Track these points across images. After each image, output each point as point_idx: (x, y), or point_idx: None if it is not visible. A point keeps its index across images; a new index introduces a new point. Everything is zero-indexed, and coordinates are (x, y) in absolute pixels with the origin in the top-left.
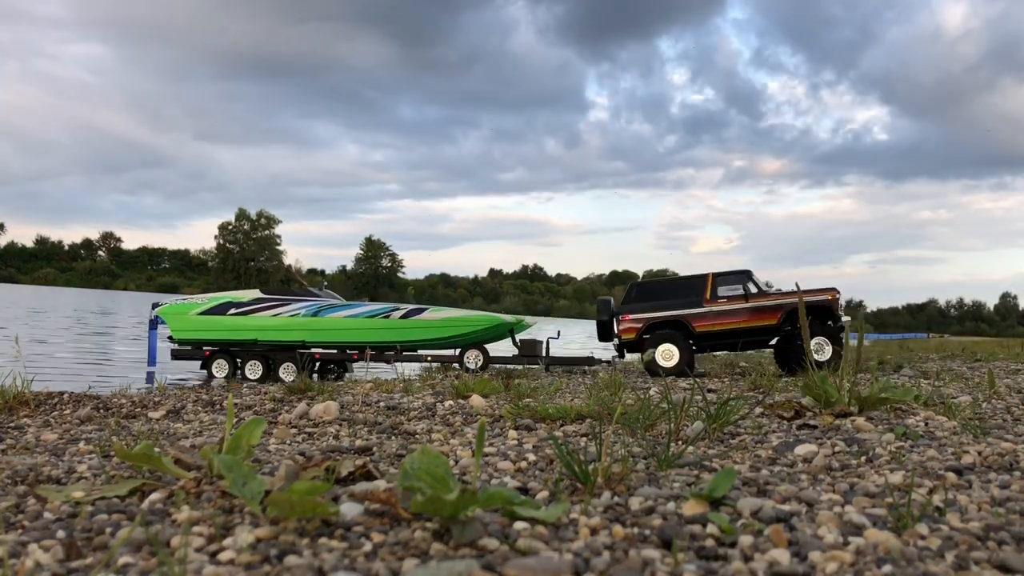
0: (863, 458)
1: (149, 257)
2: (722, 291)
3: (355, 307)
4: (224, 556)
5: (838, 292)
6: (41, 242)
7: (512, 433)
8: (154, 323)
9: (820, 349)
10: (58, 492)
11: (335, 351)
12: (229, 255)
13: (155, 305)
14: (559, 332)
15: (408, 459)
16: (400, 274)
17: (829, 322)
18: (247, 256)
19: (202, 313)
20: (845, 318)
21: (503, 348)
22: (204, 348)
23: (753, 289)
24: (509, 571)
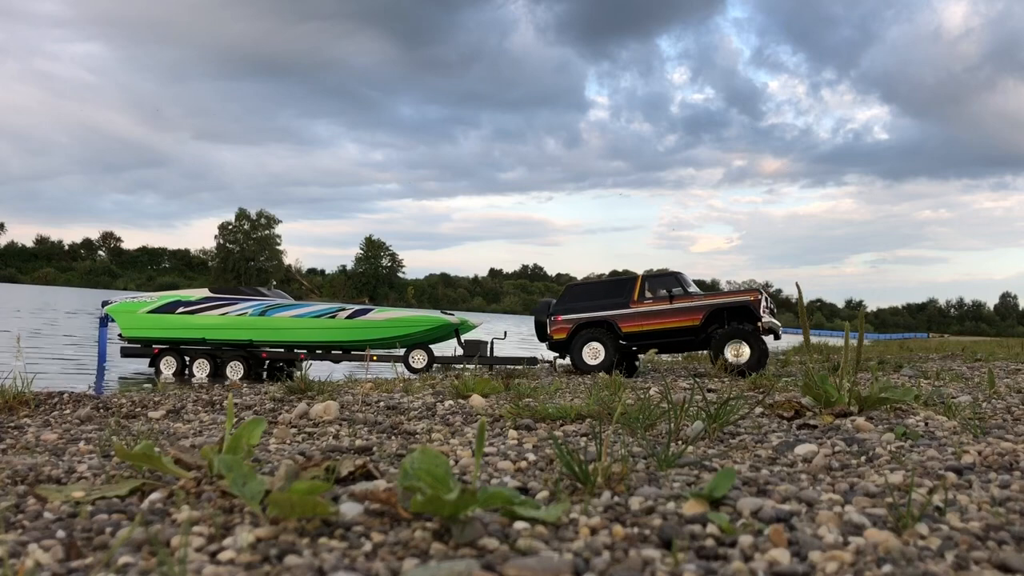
0: (863, 458)
1: (149, 257)
2: (650, 292)
3: (301, 307)
4: (224, 556)
5: (760, 294)
6: (41, 242)
7: (512, 433)
8: (104, 321)
9: (737, 350)
10: (58, 492)
11: (282, 350)
12: (229, 255)
13: (105, 303)
14: (505, 332)
15: (408, 459)
16: (400, 274)
17: (752, 323)
18: (247, 256)
19: (151, 311)
20: (769, 319)
21: (449, 348)
22: (153, 346)
23: (681, 291)
24: (509, 571)
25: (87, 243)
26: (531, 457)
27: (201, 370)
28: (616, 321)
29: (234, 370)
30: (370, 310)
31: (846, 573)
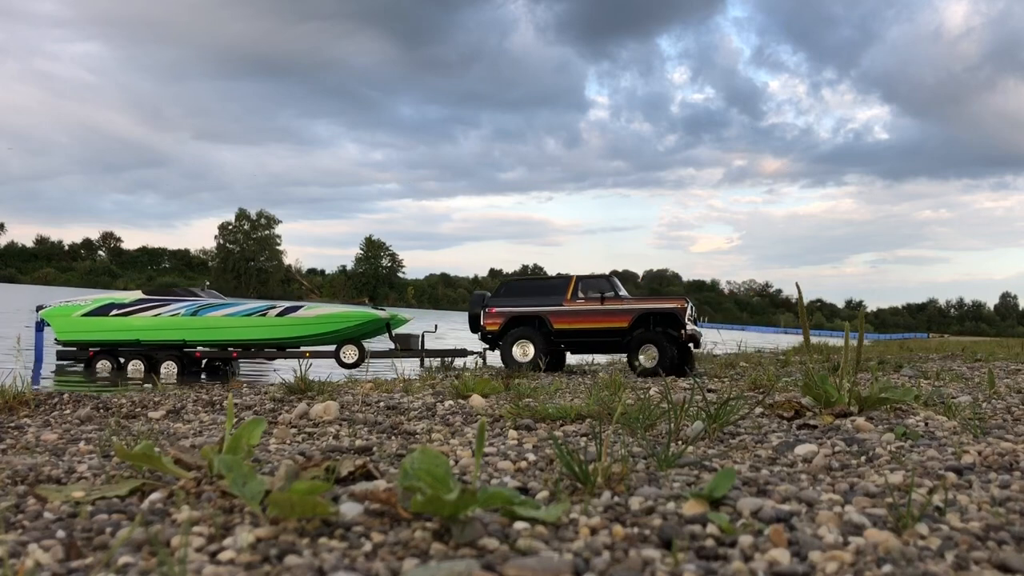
0: (863, 458)
1: (149, 257)
2: (583, 292)
3: (232, 306)
4: (224, 556)
5: (687, 302)
6: (41, 242)
7: (512, 433)
8: (40, 325)
9: (650, 356)
10: (58, 492)
11: (216, 349)
12: (229, 255)
13: (39, 307)
14: (436, 326)
15: (408, 459)
16: (400, 274)
17: (678, 329)
18: (247, 256)
19: (85, 315)
20: (693, 327)
21: (383, 343)
22: (88, 349)
23: (612, 293)
24: (509, 571)
25: (87, 243)
26: (531, 457)
27: (136, 371)
28: (548, 317)
29: (168, 370)
30: (300, 307)
31: (846, 573)
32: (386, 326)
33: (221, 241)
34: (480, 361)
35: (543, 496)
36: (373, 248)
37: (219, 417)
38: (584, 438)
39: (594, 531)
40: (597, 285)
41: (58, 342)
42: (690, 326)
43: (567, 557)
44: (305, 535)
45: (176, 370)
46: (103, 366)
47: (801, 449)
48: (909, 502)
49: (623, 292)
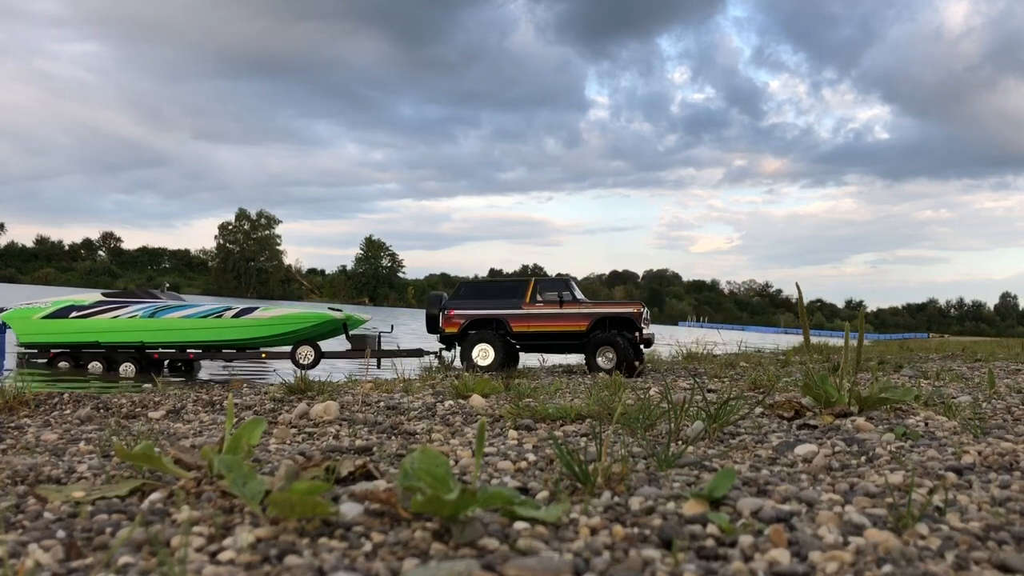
0: (863, 458)
1: (149, 257)
2: (542, 296)
3: (189, 307)
4: (224, 556)
5: (643, 306)
6: (41, 242)
7: (512, 433)
8: (2, 327)
9: (608, 357)
10: (58, 492)
11: (173, 351)
12: (229, 255)
13: (0, 310)
14: (392, 326)
15: (408, 459)
16: (400, 274)
17: (634, 333)
18: (247, 256)
19: (46, 317)
20: (648, 331)
21: (345, 343)
22: (50, 351)
23: (568, 296)
24: (509, 571)
25: (87, 243)
26: (531, 457)
27: (95, 371)
28: (508, 320)
29: (127, 370)
30: (256, 308)
31: (846, 573)
32: (343, 327)
33: (221, 241)
34: (436, 362)
35: (543, 496)
36: (373, 248)
37: (219, 417)
38: (584, 438)
39: (594, 531)
40: (555, 288)
41: (20, 345)
42: (646, 329)
43: (567, 557)
44: (305, 535)
45: (134, 371)
46: (63, 368)
47: (801, 449)
48: (909, 502)
49: (580, 295)
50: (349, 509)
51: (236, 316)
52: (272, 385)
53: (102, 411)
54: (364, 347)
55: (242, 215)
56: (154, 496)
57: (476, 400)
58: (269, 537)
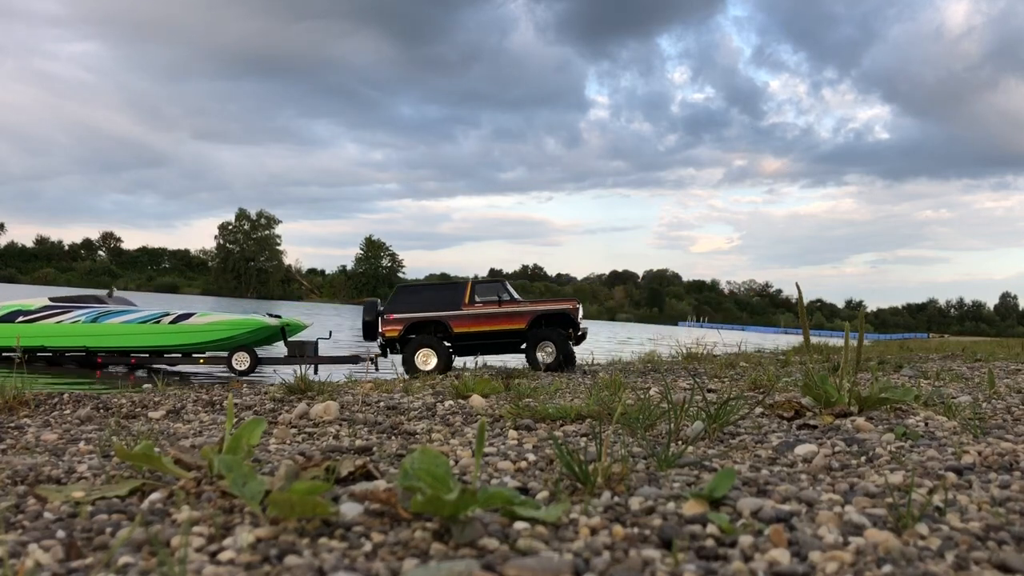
0: (863, 458)
1: (149, 257)
2: (479, 296)
3: (130, 313)
4: (224, 556)
5: (578, 303)
6: (41, 242)
7: (512, 433)
8: None
9: (548, 352)
10: (58, 492)
11: (115, 355)
12: (229, 255)
13: None
14: (331, 332)
15: (408, 459)
16: (400, 274)
17: (570, 329)
18: (247, 256)
19: None
20: (583, 327)
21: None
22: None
23: (506, 296)
24: (509, 571)
25: (87, 243)
26: (531, 457)
27: None
28: (449, 322)
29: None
30: (193, 314)
31: (846, 573)
32: (281, 333)
33: (221, 241)
34: (373, 368)
35: (543, 496)
36: (373, 248)
37: (219, 417)
38: (584, 438)
39: (594, 531)
40: (492, 289)
41: None
42: (581, 325)
43: (567, 557)
44: (305, 535)
45: None
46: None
47: (801, 449)
48: (909, 502)
49: (516, 295)
50: (349, 509)
51: (174, 322)
52: (272, 385)
53: (102, 411)
54: (300, 353)
55: (242, 215)
56: (154, 496)
57: (476, 400)
58: (269, 537)
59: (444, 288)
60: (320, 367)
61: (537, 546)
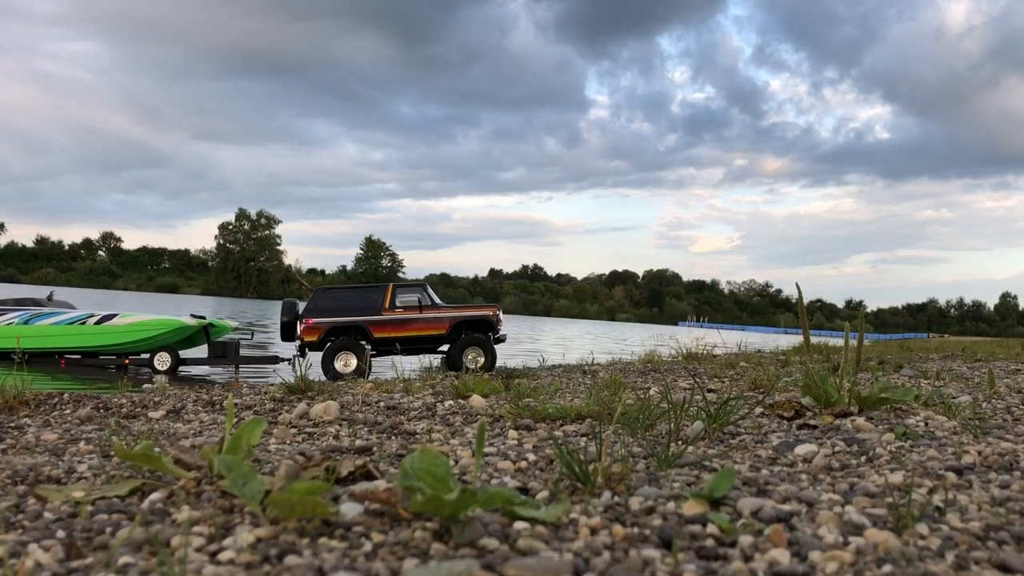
0: (863, 458)
1: (149, 257)
2: (400, 301)
3: (59, 315)
4: (224, 556)
5: (499, 308)
6: (41, 242)
7: (512, 433)
8: None
9: (475, 357)
10: (58, 492)
11: (46, 357)
12: (229, 255)
13: None
14: (253, 333)
15: (408, 459)
16: (400, 274)
17: (489, 333)
18: (247, 256)
19: None
20: (502, 331)
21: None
22: None
23: (427, 301)
24: (509, 571)
25: (87, 243)
26: (531, 457)
27: None
28: (369, 327)
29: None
30: (116, 315)
31: (846, 573)
32: (205, 334)
33: (221, 241)
34: (292, 368)
35: (543, 496)
36: (373, 248)
37: (219, 417)
38: (584, 438)
39: (594, 531)
40: (413, 293)
41: None
42: (502, 330)
43: (567, 557)
44: (305, 535)
45: None
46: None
47: (801, 449)
48: (909, 502)
49: (437, 299)
50: (349, 509)
51: (98, 323)
52: (272, 385)
53: (102, 411)
54: (222, 354)
55: (242, 215)
56: (154, 496)
57: (476, 400)
58: (269, 537)
59: (364, 291)
60: (241, 367)
61: (537, 546)
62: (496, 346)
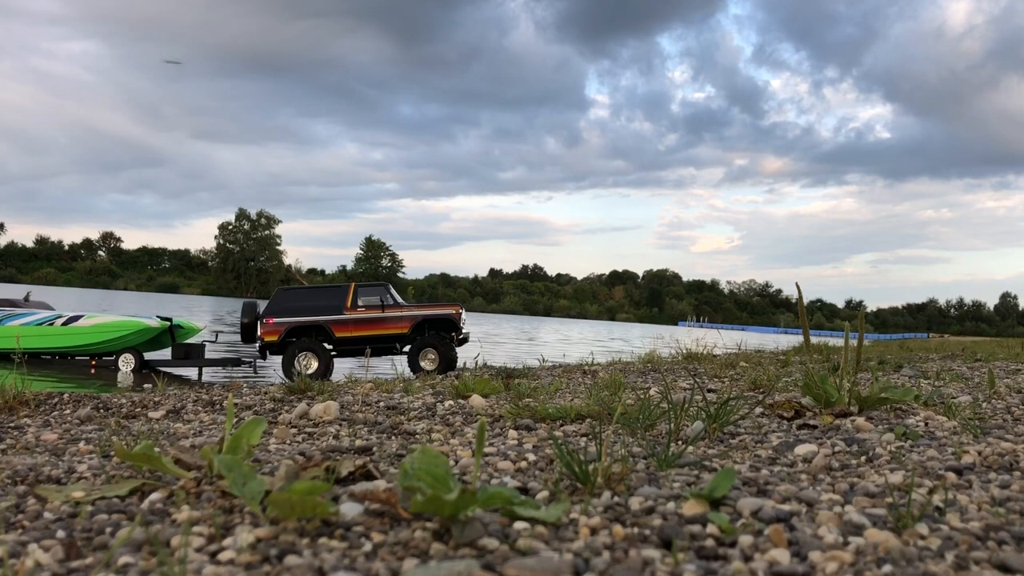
0: (863, 458)
1: (149, 257)
2: (362, 300)
3: (28, 315)
4: (224, 556)
5: (461, 307)
6: (41, 242)
7: (512, 433)
8: None
9: (429, 356)
10: (58, 492)
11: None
12: (229, 255)
13: None
14: (216, 335)
15: (408, 459)
16: (400, 274)
17: (452, 332)
18: (247, 256)
19: None
20: (465, 331)
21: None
22: None
23: (389, 301)
24: (509, 571)
25: (87, 243)
26: (531, 457)
27: None
28: (330, 326)
29: None
30: (81, 316)
31: (846, 573)
32: (170, 335)
33: (221, 241)
34: (253, 371)
35: (543, 496)
36: (373, 248)
37: (219, 417)
38: (584, 438)
39: (594, 531)
40: (375, 292)
41: None
42: (465, 329)
43: (567, 557)
44: (305, 535)
45: None
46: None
47: (801, 449)
48: (909, 502)
49: (399, 299)
50: (349, 509)
51: (65, 324)
52: (272, 385)
53: (102, 411)
54: (185, 355)
55: (242, 215)
56: (154, 496)
57: (476, 400)
58: (269, 537)
59: (326, 291)
60: (204, 369)
61: (537, 546)
62: (460, 347)
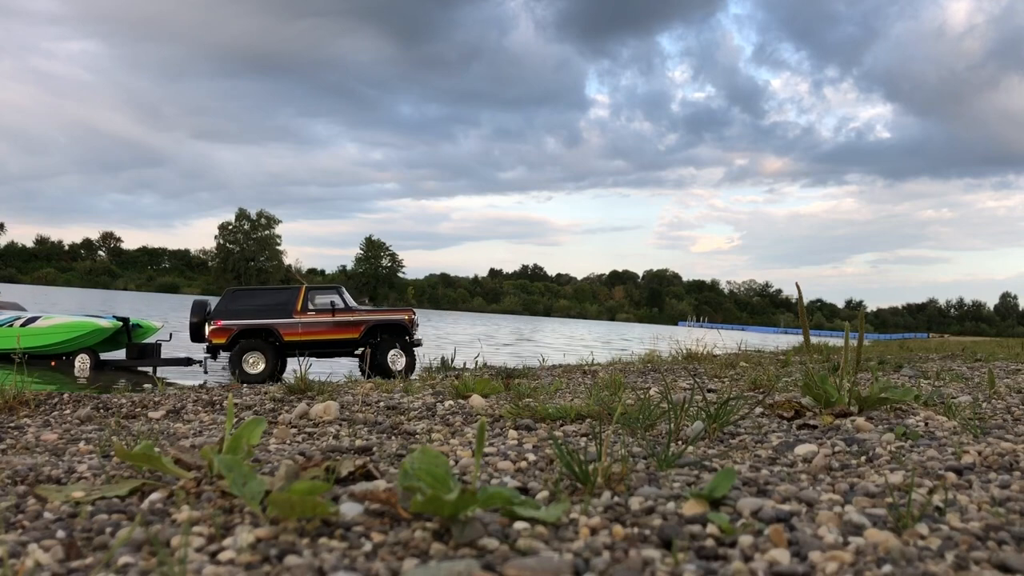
0: (863, 458)
1: (149, 257)
2: (313, 304)
3: None
4: (224, 556)
5: (413, 312)
6: (41, 242)
7: (512, 433)
8: None
9: (395, 359)
10: (58, 492)
11: None
12: (229, 255)
13: None
14: (171, 335)
15: (408, 459)
16: (400, 274)
17: (405, 336)
18: (247, 256)
19: None
20: (417, 336)
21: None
22: None
23: (341, 304)
24: (509, 571)
25: (87, 243)
26: (531, 457)
27: None
28: (278, 329)
29: None
30: (38, 318)
31: (846, 573)
32: (126, 335)
33: (221, 241)
34: (203, 370)
35: (543, 496)
36: (373, 248)
37: (219, 417)
38: (584, 438)
39: (594, 531)
40: (327, 295)
41: None
42: (417, 334)
43: (567, 557)
44: (305, 535)
45: None
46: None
47: (801, 449)
48: (909, 502)
49: (352, 302)
50: (349, 509)
51: (24, 325)
52: (272, 385)
53: (102, 411)
54: (140, 355)
55: (242, 215)
56: (154, 496)
57: (476, 400)
58: (269, 537)
59: (276, 293)
60: (158, 369)
61: (537, 546)
62: (414, 349)
